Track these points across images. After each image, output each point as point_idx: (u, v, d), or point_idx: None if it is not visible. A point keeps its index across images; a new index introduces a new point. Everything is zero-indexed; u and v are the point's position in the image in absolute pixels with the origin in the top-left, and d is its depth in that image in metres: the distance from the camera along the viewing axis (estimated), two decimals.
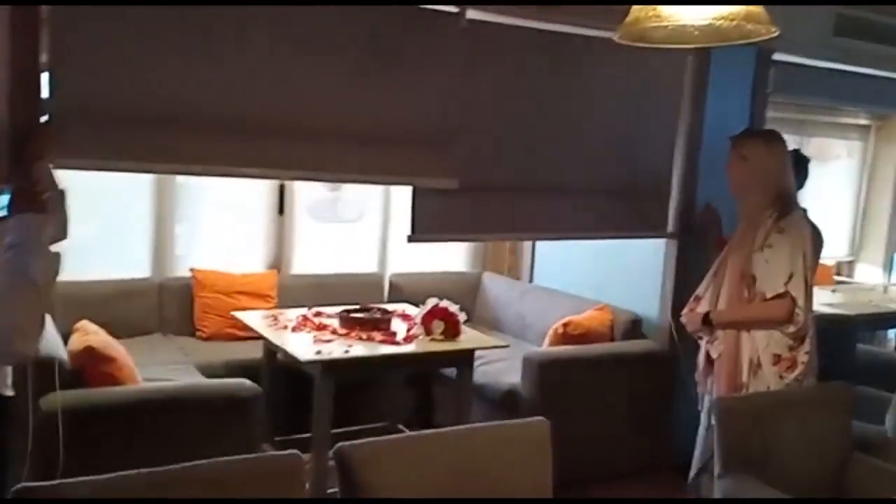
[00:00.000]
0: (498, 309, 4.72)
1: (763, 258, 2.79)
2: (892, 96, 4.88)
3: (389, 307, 3.87)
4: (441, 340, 3.39)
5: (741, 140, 2.96)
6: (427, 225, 3.16)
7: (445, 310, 3.42)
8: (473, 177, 3.16)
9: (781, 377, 2.80)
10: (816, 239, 2.96)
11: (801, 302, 2.74)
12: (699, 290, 3.06)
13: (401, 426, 3.99)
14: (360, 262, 4.84)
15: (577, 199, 3.48)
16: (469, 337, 3.46)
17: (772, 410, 2.61)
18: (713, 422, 2.96)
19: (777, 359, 2.80)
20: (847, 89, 4.59)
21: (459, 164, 3.11)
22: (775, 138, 2.95)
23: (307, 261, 4.70)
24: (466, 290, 4.83)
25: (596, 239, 3.91)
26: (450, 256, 5.10)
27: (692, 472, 3.14)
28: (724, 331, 2.91)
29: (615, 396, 3.67)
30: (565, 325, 3.80)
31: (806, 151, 3.84)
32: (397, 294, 4.62)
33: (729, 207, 3.76)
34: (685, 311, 3.07)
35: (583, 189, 3.49)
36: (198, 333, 4.21)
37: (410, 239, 3.18)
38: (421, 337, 3.41)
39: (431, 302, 3.46)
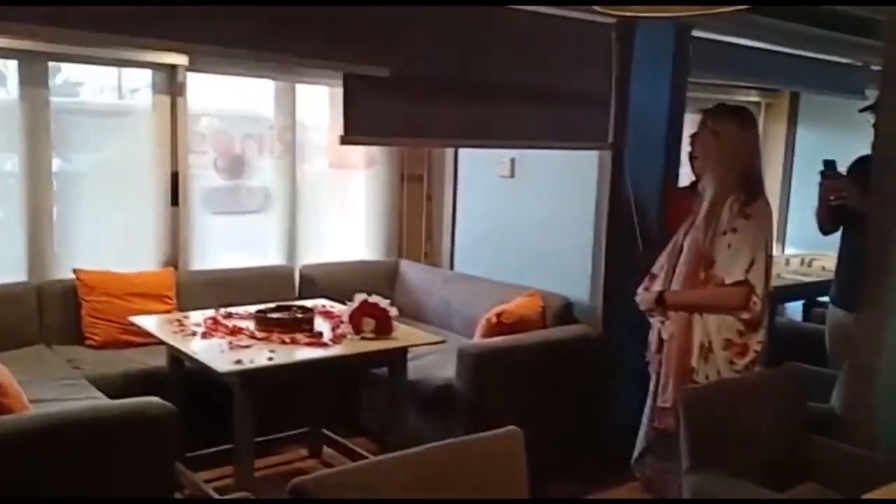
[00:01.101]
0: (419, 298, 4.50)
1: (726, 242, 2.71)
2: (800, 73, 4.97)
3: (308, 304, 3.58)
4: (372, 339, 3.13)
5: (714, 116, 2.85)
6: (360, 126, 2.96)
7: (376, 305, 3.17)
8: (406, 67, 3.01)
9: (732, 363, 2.74)
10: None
11: (759, 290, 2.69)
12: (654, 269, 2.98)
13: (325, 431, 3.72)
14: (267, 254, 4.49)
15: (516, 105, 3.40)
16: (402, 333, 3.22)
17: (734, 399, 2.54)
18: (660, 403, 2.88)
19: (728, 344, 2.74)
20: (757, 66, 4.63)
21: (391, 51, 2.96)
22: (749, 118, 2.86)
23: (207, 256, 4.30)
24: (383, 279, 4.58)
25: (534, 148, 3.80)
26: (362, 245, 4.82)
27: (636, 453, 3.06)
28: (676, 312, 2.81)
29: (553, 384, 3.54)
30: (498, 314, 3.63)
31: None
32: (310, 288, 4.31)
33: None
34: (639, 289, 2.96)
35: (522, 96, 3.41)
36: (87, 342, 3.76)
37: (343, 141, 2.97)
38: (350, 336, 3.14)
39: (359, 297, 3.19)
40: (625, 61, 3.65)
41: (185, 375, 3.30)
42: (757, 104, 6.22)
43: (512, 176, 4.28)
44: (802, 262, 5.22)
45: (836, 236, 3.61)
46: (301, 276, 4.45)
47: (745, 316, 2.70)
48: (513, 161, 4.27)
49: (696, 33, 3.89)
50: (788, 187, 6.14)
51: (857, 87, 5.18)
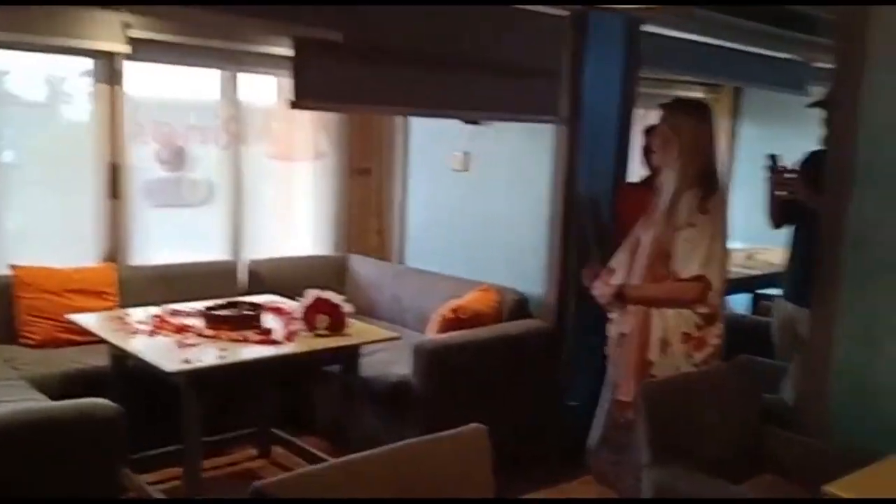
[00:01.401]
0: (370, 293, 4.42)
1: (683, 237, 2.72)
2: (745, 69, 5.05)
3: (257, 300, 3.47)
4: (326, 336, 3.05)
5: (672, 111, 2.84)
6: (311, 91, 2.90)
7: (329, 301, 3.09)
8: (360, 33, 2.95)
9: (690, 356, 2.76)
10: None
11: (716, 285, 2.70)
12: (612, 262, 2.98)
13: (275, 430, 3.63)
14: (211, 249, 4.35)
15: (471, 77, 3.38)
16: (356, 330, 3.15)
17: (692, 392, 2.55)
18: (620, 396, 2.88)
19: (686, 337, 2.75)
20: (703, 61, 4.69)
21: (345, 16, 2.89)
22: (707, 113, 2.87)
23: (149, 251, 4.15)
24: (332, 274, 4.49)
25: (489, 119, 3.78)
26: (310, 240, 4.72)
27: (590, 446, 3.05)
28: (634, 306, 2.82)
29: (509, 379, 3.52)
30: (454, 310, 3.58)
31: (647, 124, 3.88)
32: (257, 284, 4.19)
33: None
34: (598, 283, 2.95)
35: (478, 68, 3.38)
36: (23, 341, 3.58)
37: (293, 105, 2.90)
38: (303, 333, 3.05)
39: (312, 293, 3.10)
40: (578, 53, 3.64)
41: (128, 375, 3.17)
42: (702, 100, 6.32)
43: (465, 170, 4.24)
44: (748, 256, 5.31)
45: (782, 231, 3.68)
46: (248, 271, 4.32)
47: (703, 310, 2.72)
48: (466, 154, 4.23)
49: (645, 28, 3.92)
50: (731, 182, 6.23)
51: (800, 83, 5.29)
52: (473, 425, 1.98)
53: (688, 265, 2.70)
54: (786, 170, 3.51)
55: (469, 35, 3.32)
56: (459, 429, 1.97)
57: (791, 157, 3.58)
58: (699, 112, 2.87)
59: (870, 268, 2.59)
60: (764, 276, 4.95)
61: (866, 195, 2.58)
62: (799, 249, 3.46)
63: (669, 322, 2.75)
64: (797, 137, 3.68)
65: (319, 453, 3.36)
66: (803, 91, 5.24)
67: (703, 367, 2.73)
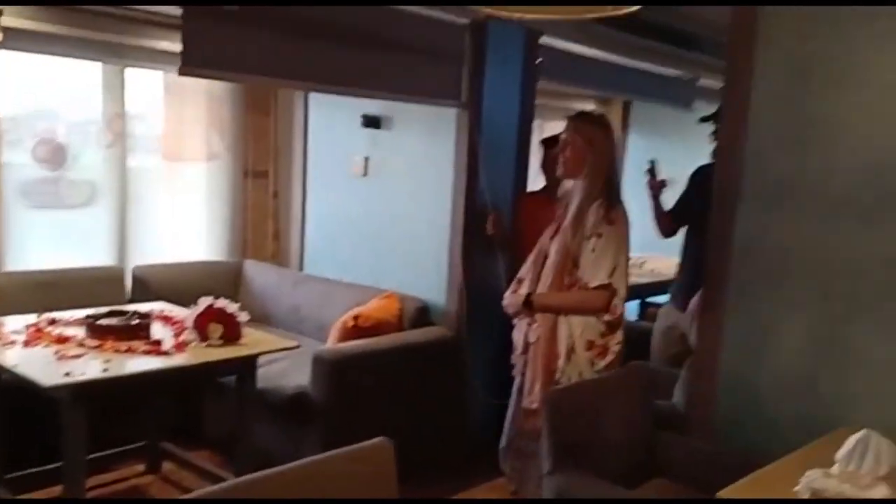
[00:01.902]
0: (267, 301, 4.29)
1: (590, 247, 2.78)
2: (634, 84, 5.23)
3: (143, 308, 3.30)
4: (219, 346, 2.93)
5: (581, 124, 2.89)
6: (201, 55, 2.76)
7: (222, 310, 2.97)
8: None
9: (593, 363, 2.82)
10: None
11: (621, 293, 2.77)
12: (521, 273, 3.02)
13: (164, 444, 3.46)
14: (94, 254, 4.11)
15: (374, 56, 3.32)
16: (252, 339, 3.03)
17: (592, 399, 2.59)
18: (526, 404, 2.91)
19: (590, 345, 2.81)
20: (595, 75, 4.82)
21: None
22: (609, 126, 2.95)
23: (24, 255, 3.88)
24: (226, 281, 4.33)
25: (388, 99, 3.74)
26: (202, 245, 4.53)
27: (501, 452, 3.07)
28: (542, 315, 2.86)
29: (412, 388, 3.50)
30: (355, 317, 3.52)
31: (543, 135, 3.97)
32: (143, 291, 3.99)
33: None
34: (507, 293, 2.98)
35: (378, 43, 3.33)
36: None
37: (181, 72, 2.77)
38: (194, 344, 2.92)
39: (205, 301, 2.98)
40: (478, 62, 3.66)
41: (2, 389, 2.95)
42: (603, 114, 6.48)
43: (365, 175, 4.19)
44: (636, 265, 5.49)
45: (672, 240, 3.83)
46: (133, 277, 4.11)
47: (607, 318, 2.79)
48: (366, 160, 4.18)
49: (542, 41, 3.98)
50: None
51: (687, 99, 5.54)
52: (378, 439, 1.93)
53: (595, 274, 2.76)
54: (663, 183, 3.70)
55: (373, 13, 3.26)
56: (363, 443, 1.92)
57: (674, 169, 3.76)
58: (604, 124, 2.95)
59: (753, 278, 2.70)
60: (651, 284, 5.13)
61: (751, 206, 2.70)
62: (691, 256, 3.59)
63: (575, 330, 2.81)
64: (681, 150, 3.83)
65: (212, 468, 3.24)
66: (689, 107, 5.48)
67: (603, 374, 2.79)
